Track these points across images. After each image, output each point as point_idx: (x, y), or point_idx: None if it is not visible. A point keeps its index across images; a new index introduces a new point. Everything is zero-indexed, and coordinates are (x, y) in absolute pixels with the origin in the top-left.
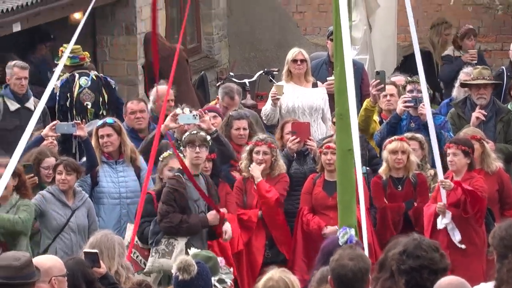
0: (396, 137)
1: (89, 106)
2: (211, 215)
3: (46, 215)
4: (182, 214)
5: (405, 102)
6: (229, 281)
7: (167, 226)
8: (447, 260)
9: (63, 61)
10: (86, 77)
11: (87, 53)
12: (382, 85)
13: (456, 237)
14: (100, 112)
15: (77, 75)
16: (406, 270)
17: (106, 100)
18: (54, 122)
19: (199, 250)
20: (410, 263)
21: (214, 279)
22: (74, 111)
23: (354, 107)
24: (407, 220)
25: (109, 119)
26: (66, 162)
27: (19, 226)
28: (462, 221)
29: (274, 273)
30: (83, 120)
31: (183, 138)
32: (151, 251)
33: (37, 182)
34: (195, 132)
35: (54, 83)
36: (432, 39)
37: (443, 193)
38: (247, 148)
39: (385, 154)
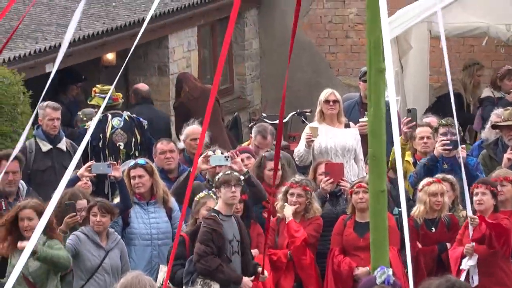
0: (433, 179)
1: (121, 147)
2: (246, 281)
3: (80, 256)
4: (219, 257)
5: (444, 145)
6: None
7: (204, 268)
8: None
9: (102, 107)
10: (119, 118)
11: (120, 94)
12: (414, 123)
13: (475, 281)
14: (132, 153)
15: (110, 116)
16: None
17: (138, 141)
18: (90, 163)
19: None
20: None
21: None
22: (106, 152)
23: (398, 145)
24: (441, 262)
25: (140, 160)
26: (101, 204)
27: (67, 262)
28: (491, 263)
29: None
30: (118, 160)
31: (216, 179)
32: None
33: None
34: (229, 172)
35: (94, 124)
36: (464, 80)
37: (472, 233)
38: (283, 189)
39: (423, 196)
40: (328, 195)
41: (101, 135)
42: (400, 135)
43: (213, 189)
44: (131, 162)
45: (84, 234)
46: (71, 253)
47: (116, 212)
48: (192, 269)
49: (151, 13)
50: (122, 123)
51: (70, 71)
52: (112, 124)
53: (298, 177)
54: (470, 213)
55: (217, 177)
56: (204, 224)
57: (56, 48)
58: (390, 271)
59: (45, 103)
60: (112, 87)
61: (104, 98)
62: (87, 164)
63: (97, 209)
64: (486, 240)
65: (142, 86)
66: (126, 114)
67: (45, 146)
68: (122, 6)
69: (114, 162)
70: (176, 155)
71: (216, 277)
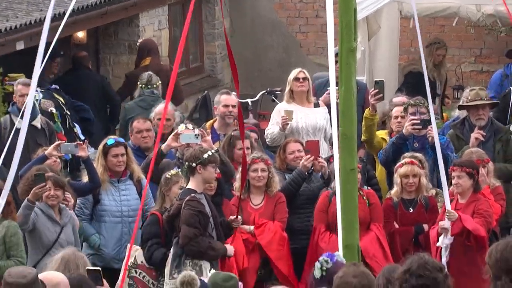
0: (406, 160)
1: (54, 111)
2: (230, 249)
3: (38, 231)
4: (205, 237)
5: (413, 124)
6: None
7: (195, 250)
8: (450, 281)
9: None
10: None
11: None
12: (381, 95)
13: (443, 259)
14: (64, 112)
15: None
16: None
17: (63, 101)
18: (58, 142)
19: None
20: (412, 282)
21: None
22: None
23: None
24: (418, 244)
25: (119, 138)
26: (54, 178)
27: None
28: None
29: None
30: (85, 140)
31: (204, 156)
32: (171, 273)
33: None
34: (214, 151)
35: (32, 99)
36: (426, 59)
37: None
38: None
39: (397, 178)
40: (307, 173)
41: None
42: (367, 106)
43: (189, 165)
44: (109, 139)
45: (40, 209)
46: (29, 228)
47: (68, 188)
48: (179, 251)
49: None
50: (40, 94)
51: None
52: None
53: (257, 153)
54: (446, 197)
55: (204, 155)
56: (188, 206)
57: (26, 26)
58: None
59: (18, 80)
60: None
61: (13, 85)
62: (55, 144)
63: (51, 183)
64: (464, 234)
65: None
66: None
67: (20, 123)
68: None
69: (81, 142)
70: (152, 134)
71: (207, 256)
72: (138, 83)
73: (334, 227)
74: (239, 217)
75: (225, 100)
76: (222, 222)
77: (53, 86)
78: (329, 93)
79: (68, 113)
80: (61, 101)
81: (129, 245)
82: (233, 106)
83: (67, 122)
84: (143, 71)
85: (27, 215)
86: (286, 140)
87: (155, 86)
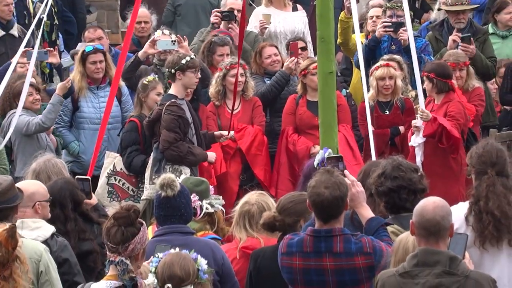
0: (382, 63)
1: (45, 18)
2: (211, 155)
3: (35, 135)
4: (185, 142)
5: (385, 26)
6: (219, 207)
7: (175, 155)
8: (426, 181)
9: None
10: None
11: None
12: None
13: (417, 158)
14: (54, 23)
15: None
16: (385, 191)
17: (54, 9)
18: (26, 49)
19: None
20: (388, 184)
21: (205, 202)
22: (33, 27)
23: None
24: (395, 146)
25: (98, 45)
26: (31, 84)
27: None
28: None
29: (251, 196)
30: (55, 47)
31: (182, 62)
32: (151, 178)
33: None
34: (193, 56)
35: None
36: None
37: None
38: (219, 73)
39: (372, 80)
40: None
41: (25, 12)
42: (343, 10)
43: (169, 71)
44: (88, 46)
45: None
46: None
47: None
48: (159, 156)
49: None
50: None
51: None
52: (31, 0)
53: (234, 58)
54: (421, 97)
55: (182, 60)
56: (168, 111)
57: None
58: (326, 153)
59: None
60: None
61: None
62: (22, 51)
63: (33, 88)
64: (436, 136)
65: None
66: None
67: None
68: None
69: (51, 49)
70: (104, 41)
71: (187, 161)
72: None
73: (302, 129)
74: (231, 132)
75: (230, 3)
76: (205, 134)
77: None
78: None
79: (57, 23)
80: (54, 9)
81: (108, 152)
82: (238, 11)
83: (53, 33)
84: None
85: (58, 111)
86: (261, 45)
87: None
